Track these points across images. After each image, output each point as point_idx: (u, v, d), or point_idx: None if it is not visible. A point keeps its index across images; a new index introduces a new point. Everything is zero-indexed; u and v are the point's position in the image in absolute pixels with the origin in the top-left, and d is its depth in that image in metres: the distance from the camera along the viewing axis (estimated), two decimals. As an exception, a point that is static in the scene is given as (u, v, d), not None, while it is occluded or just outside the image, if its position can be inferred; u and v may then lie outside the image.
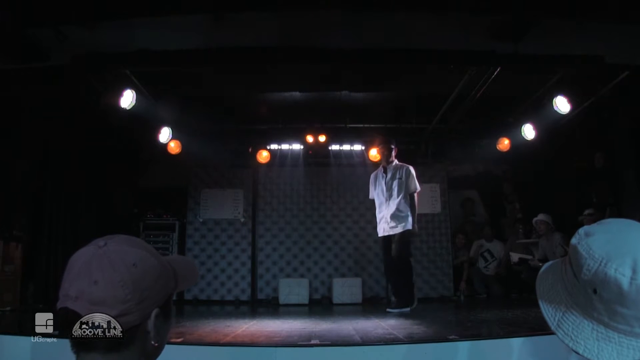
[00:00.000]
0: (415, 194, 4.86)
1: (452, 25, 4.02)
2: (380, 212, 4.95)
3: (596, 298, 0.75)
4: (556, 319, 0.82)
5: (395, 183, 4.86)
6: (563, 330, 0.80)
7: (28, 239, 4.86)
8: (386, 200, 4.88)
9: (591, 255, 0.76)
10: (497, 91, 5.55)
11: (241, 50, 4.29)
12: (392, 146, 5.00)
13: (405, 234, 4.75)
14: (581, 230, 0.82)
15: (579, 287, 0.78)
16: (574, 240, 0.81)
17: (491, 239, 6.99)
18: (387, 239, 4.84)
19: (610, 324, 0.74)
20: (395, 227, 4.77)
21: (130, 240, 0.90)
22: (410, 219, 4.78)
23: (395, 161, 5.01)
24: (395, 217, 4.78)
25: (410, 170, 4.90)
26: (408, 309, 4.57)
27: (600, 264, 0.74)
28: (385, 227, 4.85)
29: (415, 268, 6.77)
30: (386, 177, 4.94)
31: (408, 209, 4.81)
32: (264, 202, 7.06)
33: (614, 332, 0.74)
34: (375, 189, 5.03)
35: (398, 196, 4.80)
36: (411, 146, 6.92)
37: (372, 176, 5.12)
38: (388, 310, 4.61)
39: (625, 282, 0.71)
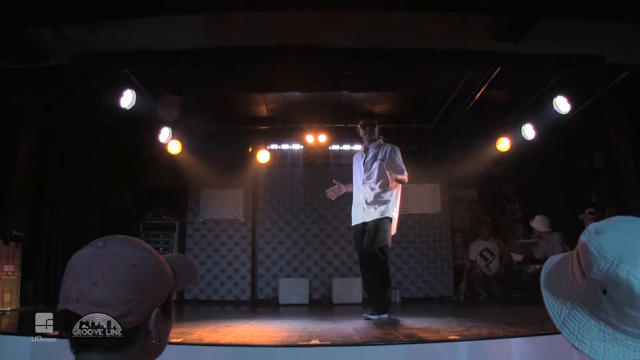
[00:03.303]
0: (404, 177, 4.17)
1: (452, 25, 4.02)
2: (356, 198, 4.32)
3: (605, 299, 0.73)
4: (562, 317, 0.80)
5: (375, 164, 4.22)
6: (569, 329, 0.79)
7: (28, 239, 4.86)
8: (363, 182, 4.24)
9: (602, 255, 0.74)
10: (497, 91, 5.57)
11: (241, 50, 4.29)
12: (375, 122, 4.42)
13: (383, 221, 4.07)
14: (591, 228, 0.79)
15: (587, 287, 0.77)
16: (583, 238, 0.79)
17: (487, 237, 6.98)
18: (362, 227, 4.17)
19: (618, 326, 0.73)
20: (373, 212, 4.10)
21: (129, 241, 0.90)
22: (391, 205, 4.12)
23: (379, 140, 4.41)
24: (374, 202, 4.12)
25: (395, 150, 4.27)
26: (386, 316, 3.98)
27: (611, 265, 0.72)
28: (360, 213, 4.20)
29: (417, 267, 6.81)
30: (366, 157, 4.31)
31: (390, 194, 4.14)
32: (264, 202, 7.06)
33: (621, 334, 0.73)
34: (355, 173, 4.42)
35: (378, 180, 4.15)
36: (411, 146, 6.92)
37: (354, 159, 4.56)
38: (365, 316, 4.00)
39: (637, 284, 0.70)
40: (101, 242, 0.86)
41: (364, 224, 4.16)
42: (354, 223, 4.32)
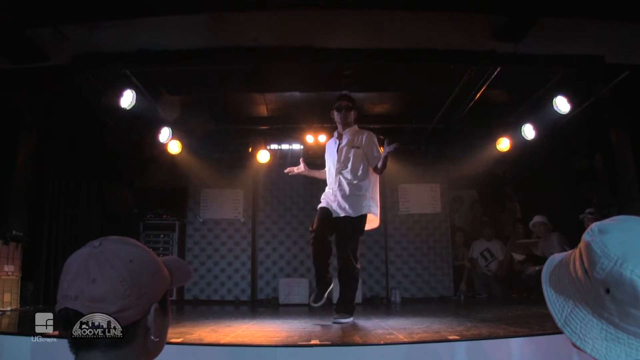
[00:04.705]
0: (379, 165, 3.81)
1: (452, 24, 4.02)
2: (329, 188, 4.03)
3: (608, 298, 0.73)
4: (563, 315, 0.80)
5: (351, 152, 3.90)
6: (570, 328, 0.79)
7: (28, 239, 4.86)
8: (337, 173, 3.92)
9: (606, 254, 0.74)
10: (497, 91, 5.57)
11: (241, 50, 4.29)
12: (351, 105, 4.04)
13: (361, 219, 3.82)
14: (595, 227, 0.79)
15: (590, 285, 0.77)
16: (587, 237, 0.79)
17: (490, 239, 6.98)
18: (330, 215, 3.86)
19: (620, 325, 0.73)
20: (349, 209, 3.79)
21: (124, 239, 0.92)
22: (368, 199, 3.86)
23: (355, 126, 4.09)
24: (349, 195, 3.82)
25: (372, 137, 3.95)
26: (352, 319, 3.81)
27: (615, 264, 0.72)
28: (333, 205, 3.87)
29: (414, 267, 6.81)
30: (340, 143, 3.99)
31: (366, 184, 3.87)
32: (264, 202, 7.06)
33: (623, 333, 0.73)
34: (327, 160, 4.14)
35: (355, 170, 3.86)
36: (411, 146, 6.92)
37: (326, 145, 4.26)
38: (335, 321, 3.74)
39: None
40: (97, 242, 0.88)
41: (336, 219, 3.86)
42: (322, 205, 3.95)
